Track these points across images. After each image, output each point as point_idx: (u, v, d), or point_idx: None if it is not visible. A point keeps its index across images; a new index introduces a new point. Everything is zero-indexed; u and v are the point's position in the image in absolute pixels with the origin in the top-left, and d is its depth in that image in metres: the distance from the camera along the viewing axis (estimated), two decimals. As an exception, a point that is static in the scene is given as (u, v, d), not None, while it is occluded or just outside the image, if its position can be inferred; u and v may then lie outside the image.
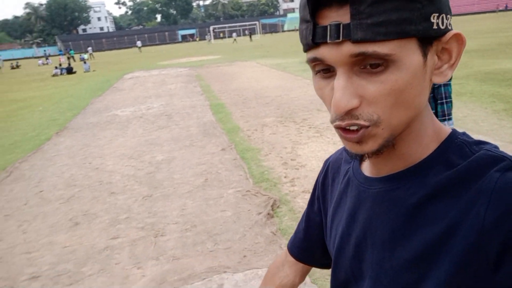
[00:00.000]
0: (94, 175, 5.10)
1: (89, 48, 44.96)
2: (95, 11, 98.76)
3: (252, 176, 4.46)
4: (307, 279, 2.58)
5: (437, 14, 0.47)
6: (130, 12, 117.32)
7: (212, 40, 56.76)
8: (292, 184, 4.12)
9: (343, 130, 0.49)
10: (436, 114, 2.65)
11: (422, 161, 0.53)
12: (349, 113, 0.47)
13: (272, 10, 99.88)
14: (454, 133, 0.55)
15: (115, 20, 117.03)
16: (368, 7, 0.43)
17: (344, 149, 0.71)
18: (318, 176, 0.78)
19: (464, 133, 0.55)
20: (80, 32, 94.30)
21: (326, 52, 0.47)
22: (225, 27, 70.41)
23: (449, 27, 0.49)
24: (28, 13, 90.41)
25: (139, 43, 51.14)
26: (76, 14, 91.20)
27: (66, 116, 9.38)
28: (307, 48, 0.50)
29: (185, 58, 27.13)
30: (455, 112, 5.51)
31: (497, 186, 0.45)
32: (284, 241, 3.06)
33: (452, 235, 0.47)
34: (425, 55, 0.47)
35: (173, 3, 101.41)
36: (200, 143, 6.06)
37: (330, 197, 0.71)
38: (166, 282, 2.74)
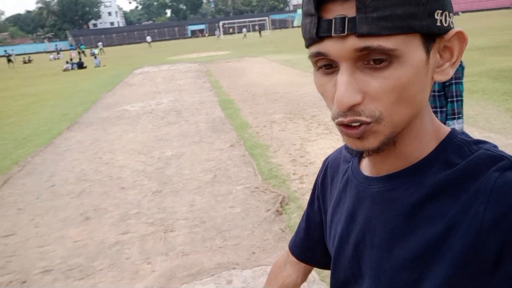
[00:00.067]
0: (105, 170, 5.16)
1: (100, 43, 45.24)
2: (105, 6, 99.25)
3: (261, 173, 4.46)
4: (316, 277, 2.58)
5: (440, 11, 0.47)
6: (140, 7, 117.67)
7: (222, 36, 56.68)
8: (301, 181, 4.12)
9: (344, 126, 0.49)
10: (446, 112, 2.63)
11: (421, 161, 0.53)
12: (351, 109, 0.47)
13: (282, 5, 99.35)
14: (453, 132, 0.54)
15: (125, 15, 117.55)
16: (374, 1, 0.43)
17: (344, 147, 0.71)
18: (318, 175, 0.78)
19: (463, 133, 0.55)
20: (91, 27, 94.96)
21: (330, 46, 0.46)
22: (234, 23, 70.25)
23: (452, 25, 0.49)
24: (40, 8, 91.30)
25: (149, 38, 51.33)
26: (87, 9, 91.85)
27: (77, 111, 9.48)
28: (310, 43, 0.49)
29: (194, 53, 27.17)
30: (467, 110, 5.44)
31: (496, 186, 0.45)
32: (293, 239, 3.06)
33: (451, 235, 0.47)
34: (428, 52, 0.47)
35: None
36: (209, 139, 6.08)
37: (330, 196, 0.71)
38: (175, 277, 2.76)
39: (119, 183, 4.64)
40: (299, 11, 75.51)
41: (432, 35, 0.47)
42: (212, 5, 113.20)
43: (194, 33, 76.57)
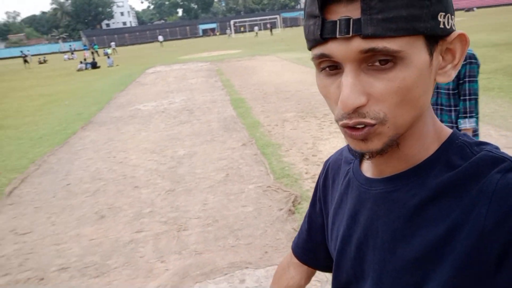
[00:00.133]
0: (118, 169, 5.23)
1: (112, 43, 45.76)
2: (118, 6, 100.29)
3: (273, 172, 4.46)
4: (330, 276, 2.58)
5: (443, 13, 0.47)
6: (152, 6, 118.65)
7: (233, 34, 56.76)
8: (314, 180, 4.11)
9: (349, 128, 0.49)
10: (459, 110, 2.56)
11: (423, 162, 0.53)
12: (356, 111, 0.47)
13: (293, 3, 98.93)
14: (454, 133, 0.54)
15: (138, 15, 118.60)
16: (379, 2, 0.43)
17: (346, 148, 0.71)
18: (319, 177, 0.78)
19: (465, 134, 0.55)
20: (104, 27, 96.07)
21: (334, 48, 0.46)
22: (245, 21, 70.25)
23: (453, 28, 0.50)
24: (54, 9, 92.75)
25: (160, 38, 51.75)
26: (100, 9, 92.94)
27: (91, 111, 9.62)
28: (313, 44, 0.49)
29: (205, 52, 27.26)
30: (483, 108, 5.34)
31: (498, 187, 0.45)
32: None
33: (453, 236, 0.47)
34: (431, 54, 0.48)
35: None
36: (221, 138, 6.11)
37: (331, 198, 0.72)
38: (188, 276, 2.79)
39: (132, 182, 4.70)
40: (311, 9, 74.87)
41: (435, 37, 0.48)
42: (223, 4, 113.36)
43: (205, 32, 76.83)
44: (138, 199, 4.19)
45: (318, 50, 0.48)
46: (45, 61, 38.54)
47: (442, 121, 2.59)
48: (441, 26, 0.47)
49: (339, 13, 0.45)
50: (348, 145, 0.67)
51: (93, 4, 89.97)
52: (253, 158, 5.03)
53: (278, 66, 14.66)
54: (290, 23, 73.54)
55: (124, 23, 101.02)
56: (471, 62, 2.41)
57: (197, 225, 3.51)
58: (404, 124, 0.49)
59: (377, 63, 0.46)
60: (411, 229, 0.52)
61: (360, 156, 0.55)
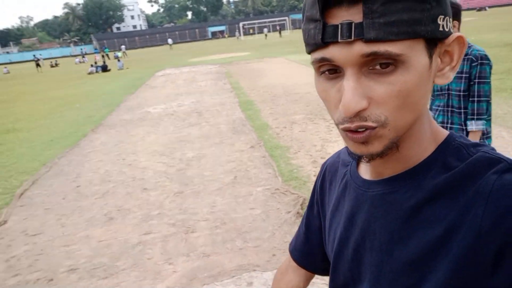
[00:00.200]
0: (128, 171, 5.26)
1: (123, 46, 46.29)
2: (128, 10, 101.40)
3: (281, 174, 4.45)
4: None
5: (443, 16, 0.48)
6: (162, 10, 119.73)
7: (242, 37, 56.92)
8: (322, 183, 4.08)
9: (350, 131, 0.49)
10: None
11: (420, 164, 0.53)
12: (357, 115, 0.47)
13: (302, 5, 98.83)
14: (451, 135, 0.55)
15: (148, 18, 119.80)
16: (380, 6, 0.43)
17: (343, 151, 0.71)
18: (316, 179, 0.78)
19: (461, 136, 0.55)
20: (114, 30, 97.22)
21: (335, 52, 0.46)
22: (254, 23, 70.40)
23: (452, 30, 0.51)
24: (66, 13, 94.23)
25: (170, 41, 52.17)
26: (111, 13, 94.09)
27: (101, 113, 9.72)
28: (314, 48, 0.49)
29: (214, 55, 27.38)
30: (495, 109, 5.26)
31: (494, 188, 0.45)
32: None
33: (450, 238, 0.47)
34: (430, 56, 0.48)
35: (204, 0, 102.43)
36: (230, 140, 6.11)
37: (328, 200, 0.72)
38: (196, 278, 2.79)
39: (141, 184, 4.72)
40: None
41: (435, 40, 0.48)
42: (232, 6, 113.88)
43: (214, 35, 77.19)
44: (147, 201, 4.22)
45: (319, 54, 0.48)
46: (56, 65, 39.12)
47: (452, 123, 2.55)
48: (441, 29, 0.47)
49: (340, 17, 0.45)
50: (345, 148, 0.68)
51: (104, 8, 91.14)
52: (262, 161, 5.02)
53: (287, 68, 14.65)
54: (299, 24, 73.44)
55: (135, 27, 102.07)
56: (482, 63, 2.36)
57: (205, 227, 3.51)
58: (405, 126, 0.50)
59: (378, 67, 0.46)
60: (408, 230, 0.52)
61: (359, 159, 0.55)
